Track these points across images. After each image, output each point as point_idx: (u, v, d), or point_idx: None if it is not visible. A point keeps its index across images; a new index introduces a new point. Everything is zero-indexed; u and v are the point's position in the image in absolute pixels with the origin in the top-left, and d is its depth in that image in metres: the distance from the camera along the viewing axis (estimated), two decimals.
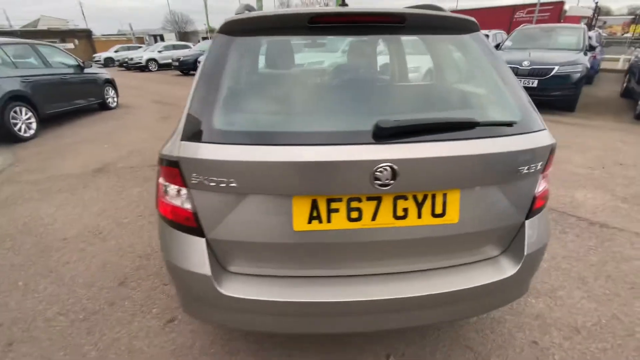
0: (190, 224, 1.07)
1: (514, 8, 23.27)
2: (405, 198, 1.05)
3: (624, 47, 17.08)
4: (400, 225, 1.07)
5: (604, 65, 12.23)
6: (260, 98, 1.23)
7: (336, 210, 1.03)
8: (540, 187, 1.20)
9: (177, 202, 1.07)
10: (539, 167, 1.13)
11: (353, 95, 1.24)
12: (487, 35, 10.97)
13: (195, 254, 1.08)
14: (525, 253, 1.19)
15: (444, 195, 1.07)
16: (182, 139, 1.02)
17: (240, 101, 1.16)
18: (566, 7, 23.37)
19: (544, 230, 1.27)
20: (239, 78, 1.24)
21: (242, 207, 1.02)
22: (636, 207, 2.86)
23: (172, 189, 1.07)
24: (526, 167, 1.09)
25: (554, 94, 5.98)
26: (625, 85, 7.58)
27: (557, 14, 21.57)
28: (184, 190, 1.04)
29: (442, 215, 1.08)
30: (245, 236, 1.06)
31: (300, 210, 1.02)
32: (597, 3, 22.34)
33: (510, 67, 6.05)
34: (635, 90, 6.33)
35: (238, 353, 1.58)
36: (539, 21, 16.89)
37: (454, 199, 1.07)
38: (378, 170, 0.95)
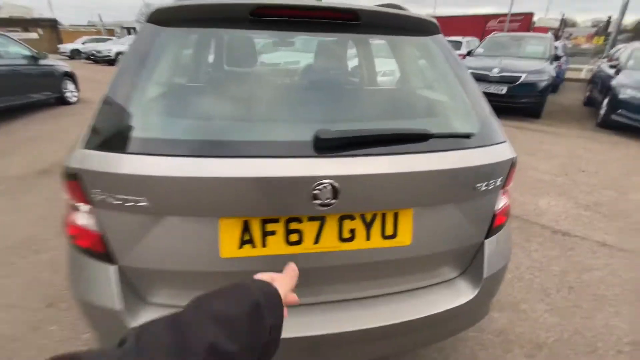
0: (97, 249, 0.90)
1: (487, 17, 24.16)
2: (352, 218, 0.92)
3: (587, 57, 18.05)
4: (347, 248, 0.94)
5: (568, 74, 12.81)
6: (184, 100, 1.07)
7: (272, 233, 0.89)
8: (501, 203, 1.11)
9: (80, 222, 0.89)
10: (498, 182, 1.04)
11: (297, 100, 1.11)
12: (460, 42, 11.28)
13: (103, 284, 0.90)
14: (484, 276, 1.09)
15: (395, 215, 0.95)
16: (84, 147, 0.84)
17: (157, 103, 0.98)
18: (535, 18, 24.59)
19: (505, 249, 1.18)
20: (162, 76, 1.06)
21: (158, 230, 0.85)
22: (597, 215, 2.91)
23: (75, 206, 0.89)
24: (485, 184, 0.99)
25: (522, 101, 6.13)
26: (588, 94, 7.93)
27: (526, 24, 22.59)
28: (86, 208, 0.86)
29: (393, 236, 0.96)
30: (165, 263, 0.90)
31: (228, 233, 0.87)
32: (563, 15, 23.52)
33: (481, 73, 6.23)
34: (597, 99, 6.61)
35: None
36: (509, 31, 17.55)
37: (406, 219, 0.96)
38: (317, 187, 0.82)
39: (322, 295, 1.02)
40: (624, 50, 6.96)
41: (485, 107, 1.10)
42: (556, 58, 6.73)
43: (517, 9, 22.74)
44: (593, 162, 4.20)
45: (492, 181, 1.00)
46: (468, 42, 11.30)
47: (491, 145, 1.02)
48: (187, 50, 1.39)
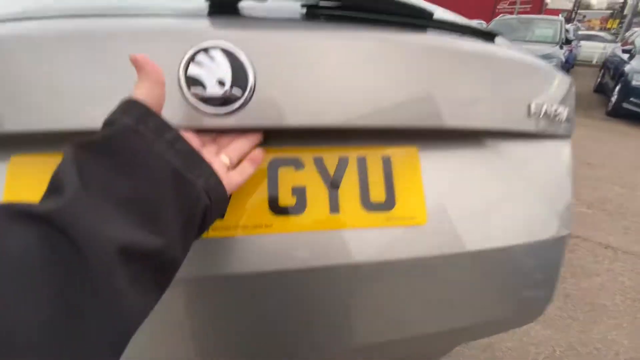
0: None
1: None
2: (295, 164, 0.48)
3: (599, 42, 17.34)
4: (284, 229, 0.46)
5: (580, 58, 12.31)
6: None
7: None
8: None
9: None
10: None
11: None
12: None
13: None
14: None
15: (387, 159, 0.50)
16: None
17: None
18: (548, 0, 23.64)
19: None
20: None
21: None
22: (600, 213, 2.72)
23: None
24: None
25: None
26: (599, 80, 7.56)
27: (538, 6, 21.71)
28: None
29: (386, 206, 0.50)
30: None
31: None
32: None
33: None
34: (608, 86, 6.29)
35: None
36: (520, 13, 16.87)
37: (410, 169, 0.51)
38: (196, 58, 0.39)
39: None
40: (637, 36, 6.57)
41: None
42: (567, 42, 6.37)
43: None
44: (599, 154, 3.96)
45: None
46: (478, 24, 10.82)
47: None
48: None
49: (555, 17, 7.34)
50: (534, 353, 1.56)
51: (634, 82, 5.08)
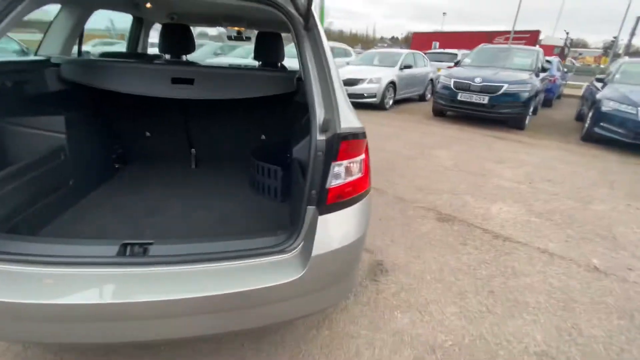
0: None
1: (493, 34, 24.24)
2: None
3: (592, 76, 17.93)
4: None
5: (568, 91, 12.64)
6: None
7: None
8: (334, 179, 1.02)
9: None
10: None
11: None
12: (455, 54, 11.27)
13: None
14: (312, 254, 1.00)
15: None
16: None
17: None
18: (542, 36, 24.56)
19: (345, 232, 1.09)
20: None
21: None
22: (547, 222, 2.77)
23: None
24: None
25: (503, 112, 6.02)
26: (579, 109, 7.77)
27: (532, 41, 22.49)
28: None
29: None
30: None
31: None
32: (568, 34, 23.43)
33: (465, 82, 6.16)
34: (585, 114, 6.46)
35: None
36: None
37: None
38: None
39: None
40: (613, 65, 6.83)
41: None
42: (542, 70, 6.62)
43: (529, 27, 22.95)
44: (563, 173, 4.04)
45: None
46: (464, 54, 11.26)
47: None
48: None
49: (533, 48, 7.66)
50: (441, 340, 1.58)
51: (603, 108, 5.24)
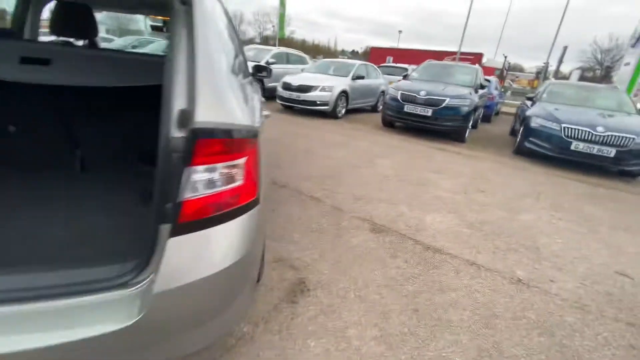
0: None
1: (443, 53, 26.01)
2: None
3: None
4: None
5: (507, 109, 13.72)
6: None
7: None
8: (190, 192, 0.79)
9: None
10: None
11: None
12: (406, 69, 11.75)
13: None
14: (154, 290, 0.75)
15: None
16: None
17: None
18: (484, 59, 26.86)
19: (210, 257, 0.85)
20: None
21: None
22: (478, 233, 2.76)
23: None
24: None
25: (446, 124, 6.25)
26: (513, 125, 8.37)
27: (476, 63, 24.49)
28: None
29: None
30: None
31: None
32: (506, 57, 25.81)
33: (411, 95, 6.31)
34: (517, 130, 6.93)
35: None
36: None
37: None
38: None
39: None
40: (542, 86, 7.45)
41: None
42: (481, 87, 7.02)
43: (474, 50, 25.11)
44: (496, 184, 4.19)
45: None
46: (413, 69, 11.75)
47: None
48: None
49: (472, 65, 8.16)
50: None
51: (532, 124, 5.63)
